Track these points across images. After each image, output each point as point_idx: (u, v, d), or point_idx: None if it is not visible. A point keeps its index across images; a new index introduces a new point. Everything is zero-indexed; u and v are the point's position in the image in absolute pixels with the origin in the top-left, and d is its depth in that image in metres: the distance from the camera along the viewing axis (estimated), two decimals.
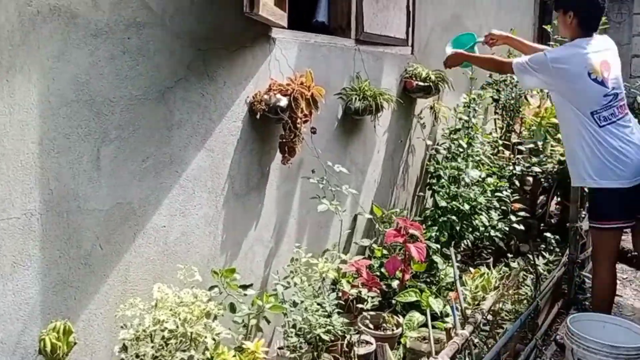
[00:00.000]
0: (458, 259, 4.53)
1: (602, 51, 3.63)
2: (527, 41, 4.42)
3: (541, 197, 6.27)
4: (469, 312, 3.15)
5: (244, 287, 2.87)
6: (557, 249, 5.14)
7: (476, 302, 3.52)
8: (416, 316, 3.48)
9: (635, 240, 3.90)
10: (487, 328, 3.54)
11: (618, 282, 5.20)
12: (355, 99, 3.81)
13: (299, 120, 3.14)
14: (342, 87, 3.85)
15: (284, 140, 3.18)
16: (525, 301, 4.02)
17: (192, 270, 2.56)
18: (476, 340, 3.41)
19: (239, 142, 3.03)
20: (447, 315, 3.63)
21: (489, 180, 4.94)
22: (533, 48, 4.13)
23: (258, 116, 3.05)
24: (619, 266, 4.67)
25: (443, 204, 4.53)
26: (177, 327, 2.32)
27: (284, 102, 3.05)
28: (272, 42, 3.22)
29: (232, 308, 2.78)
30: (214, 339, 2.40)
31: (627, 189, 3.52)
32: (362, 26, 3.97)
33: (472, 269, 4.40)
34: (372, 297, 3.28)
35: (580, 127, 3.58)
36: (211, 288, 2.72)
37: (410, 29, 4.72)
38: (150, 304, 2.39)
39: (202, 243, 2.87)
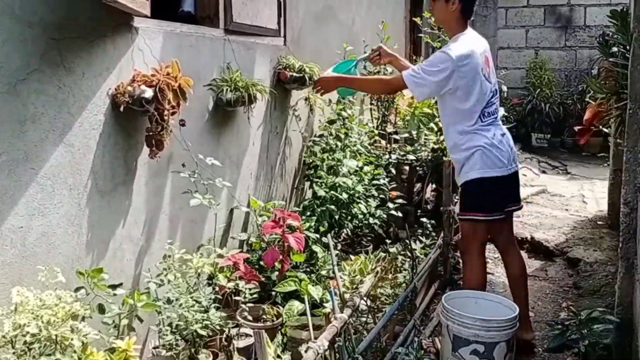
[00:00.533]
0: (338, 247, 4.57)
1: (481, 45, 3.71)
2: (408, 62, 4.42)
3: (417, 185, 6.46)
4: (347, 296, 3.17)
5: (113, 286, 2.74)
6: (434, 233, 5.30)
7: (354, 286, 3.56)
8: (295, 305, 3.47)
9: (497, 232, 4.00)
10: (367, 314, 3.59)
11: (490, 261, 5.45)
12: (227, 90, 3.75)
13: (166, 112, 3.04)
14: (212, 78, 3.77)
15: (150, 133, 3.07)
16: (404, 284, 4.11)
17: (54, 272, 2.42)
18: (356, 324, 3.45)
19: (102, 136, 2.89)
20: (327, 302, 3.64)
21: (366, 169, 5.01)
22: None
23: (122, 109, 2.92)
24: (490, 246, 4.88)
25: (321, 193, 4.55)
26: (40, 330, 2.19)
27: (149, 93, 2.94)
28: (135, 31, 3.10)
29: (101, 309, 2.65)
30: (82, 341, 2.29)
31: (505, 177, 3.68)
32: (231, 16, 3.91)
33: (352, 257, 4.45)
34: (250, 289, 3.23)
35: (467, 125, 3.64)
36: (77, 289, 2.58)
37: (282, 20, 4.70)
38: (9, 309, 2.25)
39: (65, 243, 2.72)
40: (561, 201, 7.63)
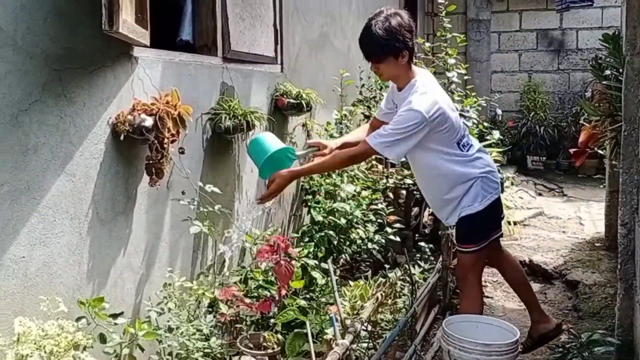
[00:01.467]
0: (337, 273, 4.57)
1: (432, 77, 3.52)
2: (356, 131, 4.04)
3: (415, 209, 6.48)
4: (348, 322, 3.17)
5: (114, 315, 2.74)
6: (432, 258, 5.31)
7: (355, 311, 3.55)
8: (298, 337, 3.45)
9: (495, 254, 3.89)
10: (368, 339, 3.58)
11: (489, 284, 5.45)
12: (225, 117, 3.77)
13: (165, 140, 3.07)
14: (210, 106, 3.80)
15: (150, 161, 3.09)
16: (403, 310, 4.11)
17: (56, 301, 2.42)
18: (357, 352, 3.45)
19: (102, 165, 2.91)
20: (328, 328, 3.63)
21: (364, 193, 5.03)
22: (374, 125, 3.70)
23: (122, 137, 2.94)
24: (489, 270, 4.88)
25: (319, 218, 4.56)
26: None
27: (149, 122, 2.97)
28: (135, 61, 3.13)
29: (102, 338, 2.65)
30: None
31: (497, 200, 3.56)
32: (229, 44, 3.95)
33: (351, 282, 4.45)
34: (251, 317, 3.23)
35: (448, 163, 3.41)
36: (78, 319, 2.58)
37: (279, 47, 4.76)
38: (12, 339, 2.24)
39: (66, 273, 2.72)
40: (558, 223, 7.64)
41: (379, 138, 3.26)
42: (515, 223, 7.21)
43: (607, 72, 4.18)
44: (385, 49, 3.28)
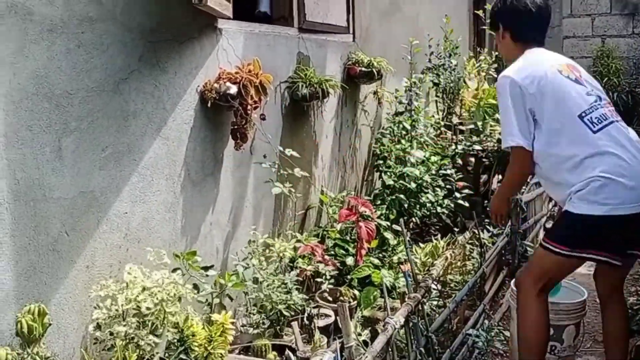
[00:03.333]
0: (408, 236, 4.72)
1: (550, 58, 2.91)
2: None
3: (483, 176, 6.54)
4: (420, 277, 3.33)
5: (206, 268, 2.99)
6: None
7: (426, 268, 3.71)
8: (372, 291, 3.65)
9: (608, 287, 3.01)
10: (438, 297, 3.73)
11: None
12: (302, 85, 3.96)
13: (249, 107, 3.27)
14: (288, 75, 3.99)
15: (235, 126, 3.31)
16: (472, 272, 4.24)
17: (160, 253, 2.67)
18: (427, 309, 3.61)
19: (193, 130, 3.14)
20: (400, 287, 3.81)
21: (433, 159, 5.15)
22: None
23: (209, 104, 3.17)
24: None
25: (390, 182, 4.72)
26: (155, 305, 2.44)
27: (233, 89, 3.18)
28: (219, 32, 3.34)
29: (196, 288, 2.90)
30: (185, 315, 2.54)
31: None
32: (304, 15, 4.12)
33: (421, 245, 4.61)
34: (330, 272, 3.44)
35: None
36: (174, 270, 2.83)
37: (351, 17, 4.89)
38: (121, 286, 2.50)
39: (163, 228, 2.98)
40: None
41: (513, 139, 2.74)
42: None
43: None
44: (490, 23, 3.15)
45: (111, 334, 2.34)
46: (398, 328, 2.61)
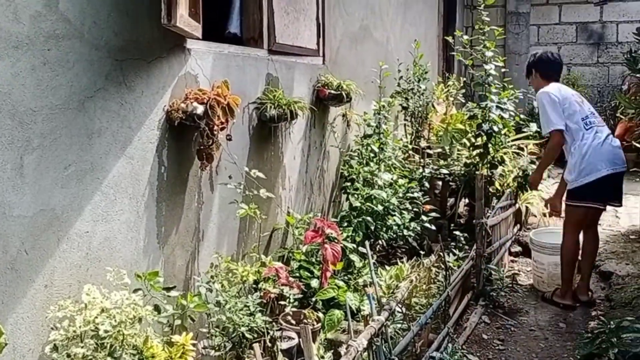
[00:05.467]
0: (374, 258, 4.74)
1: (566, 89, 4.93)
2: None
3: (450, 199, 6.60)
4: (384, 300, 3.34)
5: (168, 289, 2.96)
6: (467, 247, 5.43)
7: (391, 291, 3.72)
8: (336, 313, 3.64)
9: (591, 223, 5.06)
10: (402, 320, 3.74)
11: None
12: (270, 107, 3.97)
13: (215, 128, 3.27)
14: (257, 96, 4.00)
15: (201, 147, 3.30)
16: (437, 295, 4.26)
17: (120, 273, 2.64)
18: (391, 331, 3.62)
19: (158, 149, 3.13)
20: (362, 310, 3.81)
21: (401, 182, 5.19)
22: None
23: (176, 124, 3.16)
24: None
25: (357, 204, 4.74)
26: (112, 328, 2.40)
27: (200, 109, 3.17)
28: (188, 52, 3.34)
29: (157, 309, 2.87)
30: (145, 337, 2.51)
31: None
32: (274, 37, 4.14)
33: (387, 267, 4.62)
34: (294, 294, 3.42)
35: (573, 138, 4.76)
36: (135, 290, 2.79)
37: (321, 40, 4.93)
38: (79, 306, 2.46)
39: (125, 248, 2.95)
40: None
41: (545, 129, 4.86)
42: (550, 214, 7.28)
43: None
44: (527, 70, 5.27)
45: (68, 355, 2.30)
46: (361, 351, 2.61)
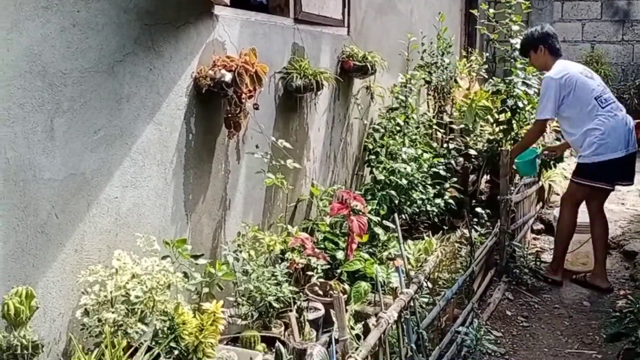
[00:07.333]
0: (391, 232, 4.69)
1: (576, 66, 4.90)
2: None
3: (472, 176, 6.54)
4: (412, 273, 3.31)
5: (196, 257, 2.94)
6: (488, 223, 5.38)
7: (419, 264, 3.69)
8: (363, 285, 3.60)
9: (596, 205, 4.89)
10: (427, 295, 3.71)
11: None
12: (297, 77, 3.91)
13: (243, 96, 3.22)
14: (282, 65, 3.94)
15: (229, 115, 3.26)
16: (462, 270, 4.22)
17: (150, 240, 2.62)
18: (417, 305, 3.59)
19: (186, 116, 3.09)
20: (389, 283, 3.78)
21: (426, 156, 5.13)
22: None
23: (204, 91, 3.11)
24: None
25: (381, 177, 4.69)
26: (144, 293, 2.38)
27: (228, 77, 3.12)
28: (215, 19, 3.28)
29: (186, 276, 2.84)
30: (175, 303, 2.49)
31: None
32: (300, 5, 4.07)
33: (410, 241, 4.58)
34: (322, 265, 3.39)
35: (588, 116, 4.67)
36: (163, 257, 2.77)
37: (346, 10, 4.85)
38: (110, 272, 2.44)
39: (153, 214, 2.92)
40: (617, 196, 7.57)
41: (539, 114, 4.87)
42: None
43: None
44: (526, 46, 5.09)
45: (99, 320, 2.28)
46: (391, 323, 2.57)
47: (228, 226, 3.51)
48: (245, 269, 3.13)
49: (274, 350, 2.81)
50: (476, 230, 5.18)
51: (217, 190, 3.41)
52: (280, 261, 3.45)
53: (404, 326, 2.91)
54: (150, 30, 2.82)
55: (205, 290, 2.97)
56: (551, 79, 4.69)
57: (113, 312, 2.33)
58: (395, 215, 3.24)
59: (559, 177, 6.83)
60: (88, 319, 2.30)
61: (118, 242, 2.70)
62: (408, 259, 3.77)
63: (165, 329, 2.39)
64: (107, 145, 2.62)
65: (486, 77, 7.34)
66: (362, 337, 2.77)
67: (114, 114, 2.64)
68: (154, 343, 2.40)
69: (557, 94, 4.66)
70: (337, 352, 2.16)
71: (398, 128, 5.06)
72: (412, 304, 3.04)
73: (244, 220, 3.57)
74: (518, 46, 5.96)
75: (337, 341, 2.28)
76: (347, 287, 3.62)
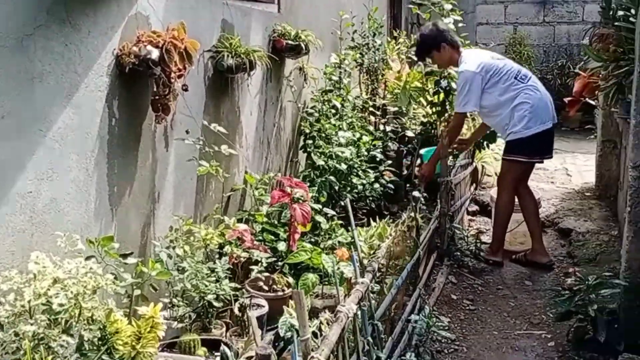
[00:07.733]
0: (335, 220, 4.48)
1: (484, 53, 4.95)
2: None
3: (404, 160, 6.42)
4: (365, 262, 3.09)
5: (124, 255, 2.61)
6: (424, 206, 5.23)
7: (373, 251, 3.49)
8: (310, 277, 3.37)
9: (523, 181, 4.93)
10: (377, 284, 3.51)
11: None
12: (228, 56, 3.61)
13: (172, 75, 2.91)
14: (212, 44, 3.64)
15: (157, 97, 2.94)
16: (407, 257, 4.04)
17: (73, 239, 2.29)
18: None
19: (108, 98, 2.75)
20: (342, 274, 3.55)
21: (365, 139, 4.93)
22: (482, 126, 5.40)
23: (127, 70, 2.78)
24: None
25: (320, 162, 4.46)
26: (68, 301, 2.06)
27: (155, 54, 2.80)
28: None
29: (115, 278, 2.52)
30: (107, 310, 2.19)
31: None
32: None
33: (360, 229, 4.37)
34: (266, 258, 3.13)
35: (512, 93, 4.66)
36: (88, 258, 2.44)
37: None
38: (27, 277, 2.11)
39: (74, 210, 2.58)
40: (546, 174, 7.65)
41: (456, 105, 4.89)
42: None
43: (620, 12, 4.09)
44: (427, 47, 4.94)
45: (16, 334, 1.95)
46: (351, 317, 2.35)
47: (158, 220, 3.19)
48: (181, 266, 2.83)
49: (216, 354, 2.54)
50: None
51: (145, 181, 3.08)
52: (218, 256, 3.16)
53: (361, 319, 2.69)
54: (64, 1, 2.47)
55: (137, 292, 2.65)
56: (472, 73, 4.66)
57: (32, 324, 2.01)
58: (347, 200, 3.02)
59: (490, 159, 6.80)
60: (2, 333, 1.97)
61: (35, 243, 2.36)
62: (360, 246, 3.55)
63: (95, 339, 2.08)
64: (18, 132, 2.27)
65: (415, 59, 7.21)
66: (319, 333, 2.53)
67: (24, 95, 2.29)
68: (80, 356, 2.09)
69: (480, 86, 4.66)
70: (299, 353, 1.90)
71: (334, 111, 4.83)
72: (368, 294, 2.83)
73: (175, 213, 3.26)
74: (451, 25, 5.84)
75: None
76: (291, 280, 3.37)
